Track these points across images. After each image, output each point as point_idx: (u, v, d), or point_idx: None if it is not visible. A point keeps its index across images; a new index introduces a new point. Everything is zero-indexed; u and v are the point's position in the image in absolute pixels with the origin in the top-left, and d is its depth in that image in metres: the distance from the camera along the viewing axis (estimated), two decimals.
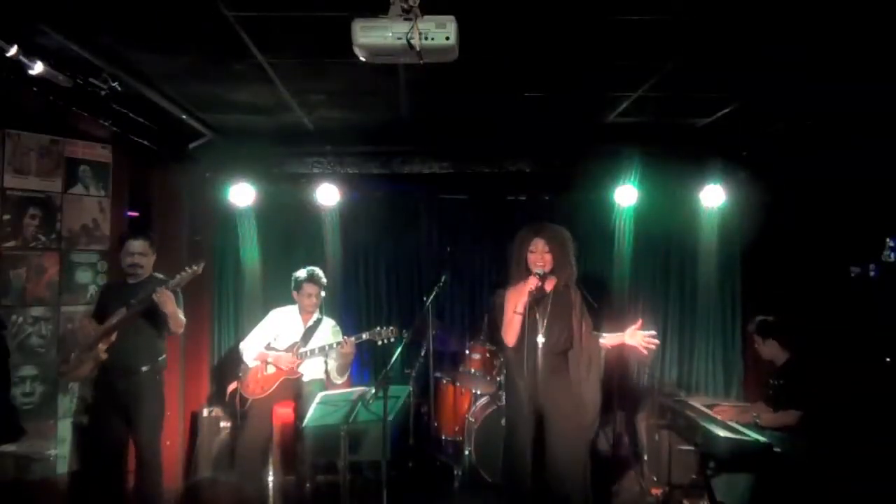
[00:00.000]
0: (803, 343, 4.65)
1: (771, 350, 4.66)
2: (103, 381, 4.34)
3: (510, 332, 4.16)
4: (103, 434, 4.35)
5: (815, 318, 5.11)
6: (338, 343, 4.98)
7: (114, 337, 4.26)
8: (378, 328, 4.89)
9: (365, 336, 4.89)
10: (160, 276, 4.46)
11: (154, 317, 4.32)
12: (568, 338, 4.20)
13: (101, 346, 4.24)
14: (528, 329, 4.08)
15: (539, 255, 4.15)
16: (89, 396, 4.59)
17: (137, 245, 4.42)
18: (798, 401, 4.37)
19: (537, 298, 4.10)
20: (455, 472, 5.53)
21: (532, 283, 4.05)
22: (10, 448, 4.21)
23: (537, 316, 4.12)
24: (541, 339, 4.08)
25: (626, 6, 3.15)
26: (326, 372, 5.14)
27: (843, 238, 5.34)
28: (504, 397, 4.76)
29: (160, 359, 4.46)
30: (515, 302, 4.14)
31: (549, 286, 4.18)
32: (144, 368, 4.35)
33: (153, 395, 4.41)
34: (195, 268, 4.28)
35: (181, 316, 4.37)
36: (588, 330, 4.25)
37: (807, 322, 4.97)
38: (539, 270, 4.09)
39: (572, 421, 4.14)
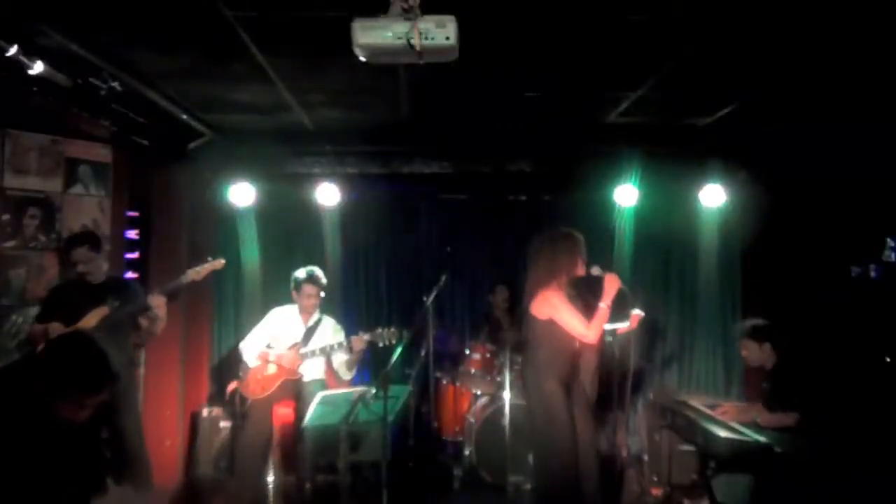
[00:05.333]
0: (798, 344, 4.64)
1: (765, 354, 4.62)
2: None
3: (598, 326, 4.06)
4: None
5: (816, 318, 5.11)
6: (339, 344, 4.98)
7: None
8: (379, 329, 4.91)
9: (366, 337, 4.90)
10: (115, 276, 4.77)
11: (131, 316, 4.39)
12: None
13: None
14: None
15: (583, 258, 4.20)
16: None
17: (77, 254, 4.38)
18: (794, 403, 4.36)
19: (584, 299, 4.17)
20: (455, 472, 5.53)
21: (616, 277, 4.09)
22: None
23: None
24: None
25: (627, 6, 3.15)
26: (334, 370, 5.13)
27: (843, 238, 5.34)
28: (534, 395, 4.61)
29: (133, 355, 4.68)
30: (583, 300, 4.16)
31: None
32: (127, 363, 4.47)
33: (134, 388, 4.65)
34: (215, 262, 4.59)
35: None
36: None
37: (807, 322, 4.96)
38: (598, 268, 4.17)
39: (591, 420, 4.31)
